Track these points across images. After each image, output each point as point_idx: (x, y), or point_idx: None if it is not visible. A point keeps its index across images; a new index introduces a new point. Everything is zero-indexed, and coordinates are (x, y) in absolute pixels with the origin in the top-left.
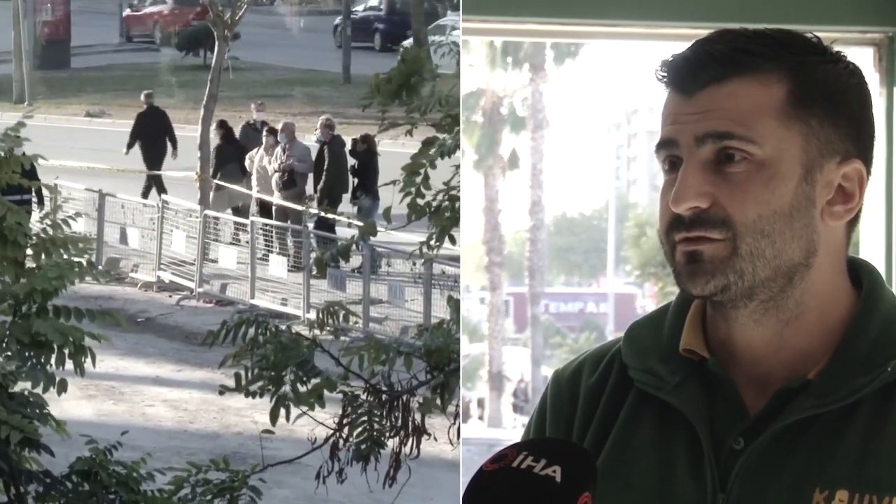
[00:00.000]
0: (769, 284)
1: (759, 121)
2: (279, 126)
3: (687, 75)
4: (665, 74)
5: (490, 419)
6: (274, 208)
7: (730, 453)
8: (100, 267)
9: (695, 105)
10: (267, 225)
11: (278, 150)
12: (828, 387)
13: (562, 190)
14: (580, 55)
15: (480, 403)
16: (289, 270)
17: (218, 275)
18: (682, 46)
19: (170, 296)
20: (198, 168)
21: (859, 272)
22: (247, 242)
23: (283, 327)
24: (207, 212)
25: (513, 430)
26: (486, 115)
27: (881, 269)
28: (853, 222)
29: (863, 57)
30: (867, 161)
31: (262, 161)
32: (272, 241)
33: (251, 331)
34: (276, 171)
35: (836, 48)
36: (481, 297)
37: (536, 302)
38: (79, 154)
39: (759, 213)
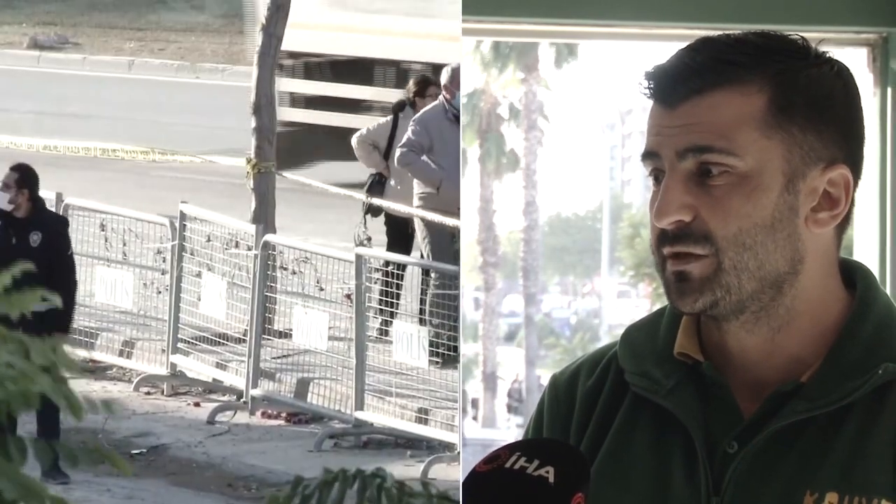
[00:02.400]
0: (758, 296)
1: (739, 132)
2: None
3: (668, 87)
4: (647, 85)
5: (484, 419)
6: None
7: (724, 457)
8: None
9: (676, 118)
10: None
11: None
12: (820, 390)
13: (556, 190)
14: (576, 55)
15: (475, 404)
16: (434, 361)
17: (292, 364)
18: (677, 47)
19: (196, 404)
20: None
21: (853, 274)
22: (348, 297)
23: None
24: (269, 237)
25: (506, 430)
26: (484, 115)
27: (875, 270)
28: (843, 225)
29: (857, 57)
30: (855, 164)
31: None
32: (392, 293)
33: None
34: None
35: (824, 48)
36: (475, 297)
37: (531, 302)
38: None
39: (739, 226)
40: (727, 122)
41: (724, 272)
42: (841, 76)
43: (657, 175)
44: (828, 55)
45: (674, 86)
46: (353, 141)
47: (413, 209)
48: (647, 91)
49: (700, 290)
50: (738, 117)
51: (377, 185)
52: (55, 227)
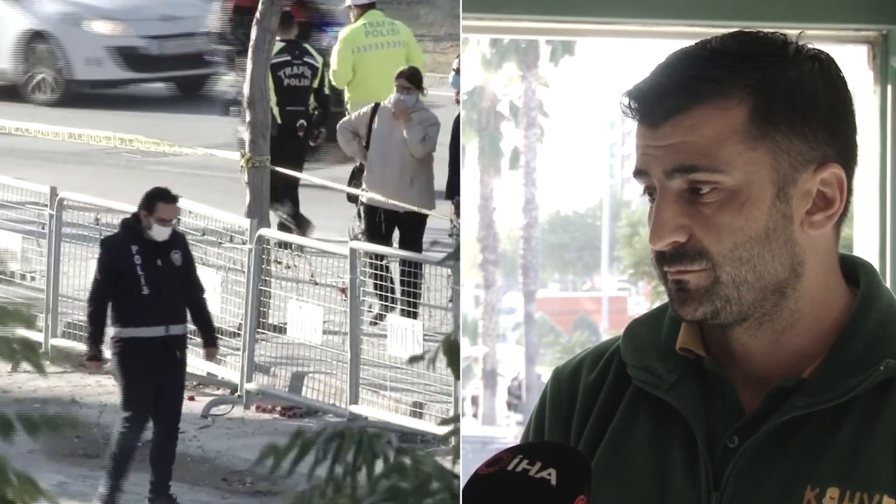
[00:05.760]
0: (760, 304)
1: (723, 148)
2: None
3: (648, 107)
4: (629, 105)
5: (484, 417)
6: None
7: (724, 451)
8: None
9: (660, 137)
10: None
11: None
12: (822, 386)
13: (556, 187)
14: (575, 52)
15: (474, 401)
16: (427, 339)
17: (286, 358)
18: (676, 44)
19: (190, 398)
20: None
21: (856, 271)
22: (342, 291)
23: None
24: (263, 231)
25: (506, 427)
26: (484, 113)
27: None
28: (841, 221)
29: (857, 55)
30: (847, 159)
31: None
32: (386, 286)
33: (351, 453)
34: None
35: (802, 42)
36: (475, 295)
37: (530, 300)
38: None
39: (734, 241)
40: (710, 139)
41: (722, 285)
42: (824, 71)
43: (651, 192)
44: (809, 50)
45: (653, 106)
46: (338, 127)
47: (401, 203)
48: (629, 111)
49: (699, 301)
50: (720, 133)
51: (358, 174)
52: (184, 243)
